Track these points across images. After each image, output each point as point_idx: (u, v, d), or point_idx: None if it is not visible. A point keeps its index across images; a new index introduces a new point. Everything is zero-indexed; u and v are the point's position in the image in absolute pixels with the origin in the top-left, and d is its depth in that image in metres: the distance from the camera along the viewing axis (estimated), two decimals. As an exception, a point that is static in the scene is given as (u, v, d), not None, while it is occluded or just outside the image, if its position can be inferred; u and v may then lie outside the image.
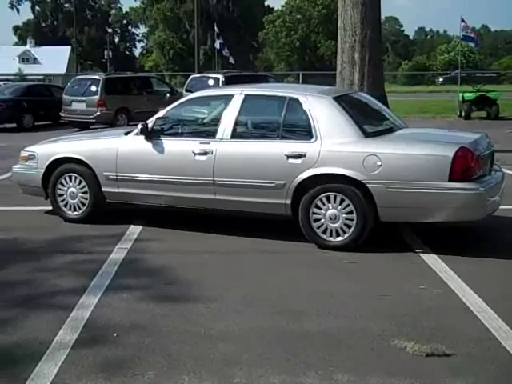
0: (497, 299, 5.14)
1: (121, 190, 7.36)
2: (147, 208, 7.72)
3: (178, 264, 6.14)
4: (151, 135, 7.18)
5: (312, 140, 6.55)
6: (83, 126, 20.71)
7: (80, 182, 7.58)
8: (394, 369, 3.99)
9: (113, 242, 6.85)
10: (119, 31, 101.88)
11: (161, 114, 7.36)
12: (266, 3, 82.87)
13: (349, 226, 6.47)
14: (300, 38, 70.69)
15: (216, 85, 20.36)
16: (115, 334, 4.50)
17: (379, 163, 6.26)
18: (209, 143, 6.91)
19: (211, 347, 4.30)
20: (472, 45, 24.81)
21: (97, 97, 20.14)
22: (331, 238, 6.56)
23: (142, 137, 7.20)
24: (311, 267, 6.12)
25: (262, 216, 6.99)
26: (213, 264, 6.23)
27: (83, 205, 7.62)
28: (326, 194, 6.50)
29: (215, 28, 29.04)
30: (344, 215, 6.46)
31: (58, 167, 7.68)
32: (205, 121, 7.55)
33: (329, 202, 6.50)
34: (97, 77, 21.13)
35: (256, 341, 4.41)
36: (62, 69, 64.35)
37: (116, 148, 7.35)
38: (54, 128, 21.07)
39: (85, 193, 7.58)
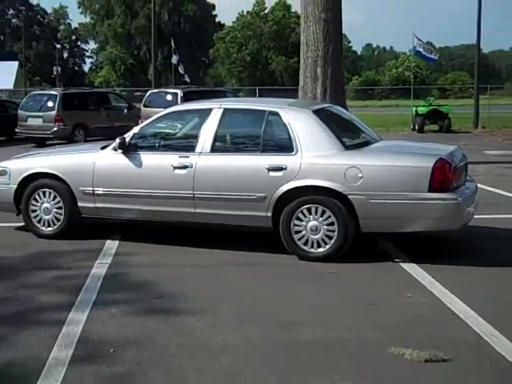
0: (482, 305, 5.26)
1: (97, 204, 7.28)
2: (122, 222, 7.67)
3: (161, 278, 6.09)
4: (129, 149, 7.13)
5: (293, 153, 6.60)
6: (40, 141, 20.44)
7: (54, 197, 7.45)
8: (397, 376, 4.05)
9: (92, 257, 6.75)
10: (68, 47, 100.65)
11: (138, 128, 7.34)
12: (217, 19, 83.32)
13: (330, 238, 6.53)
14: (251, 53, 71.21)
15: (174, 100, 20.31)
16: (111, 350, 4.43)
17: (360, 175, 6.36)
18: (188, 157, 6.91)
19: (211, 360, 4.29)
20: (431, 57, 25.40)
21: (54, 112, 19.94)
22: (312, 250, 6.61)
23: (120, 151, 7.15)
24: (296, 279, 6.15)
25: (242, 229, 7.00)
26: (197, 277, 6.21)
27: (58, 220, 7.50)
28: (307, 205, 6.56)
29: (172, 43, 29.04)
30: (325, 226, 6.52)
31: (31, 183, 7.55)
32: (183, 135, 7.55)
33: (310, 213, 6.56)
34: (54, 92, 20.96)
35: (255, 352, 4.41)
36: (9, 84, 63.09)
37: (92, 163, 7.27)
38: (9, 144, 20.72)
39: (59, 208, 7.46)
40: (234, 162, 6.83)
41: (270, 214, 6.67)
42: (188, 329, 4.84)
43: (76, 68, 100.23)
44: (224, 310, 5.24)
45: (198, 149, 6.92)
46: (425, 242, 7.27)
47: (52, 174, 7.42)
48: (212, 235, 7.42)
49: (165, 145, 7.40)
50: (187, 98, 20.37)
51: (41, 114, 20.10)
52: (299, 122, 6.74)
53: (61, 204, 7.44)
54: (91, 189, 7.24)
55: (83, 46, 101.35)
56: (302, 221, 6.59)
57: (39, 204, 7.53)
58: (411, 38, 24.88)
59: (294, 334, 4.72)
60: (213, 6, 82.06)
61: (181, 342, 4.57)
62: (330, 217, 6.50)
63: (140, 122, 20.59)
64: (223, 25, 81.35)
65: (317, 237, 6.56)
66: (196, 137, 7.04)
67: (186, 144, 7.22)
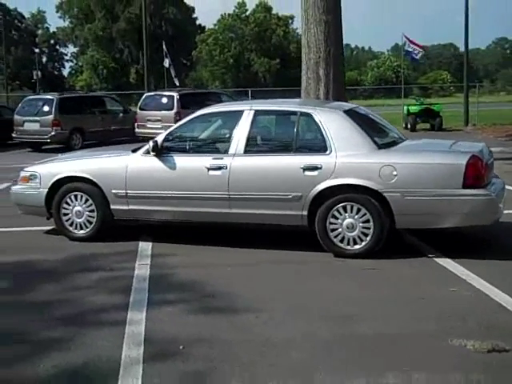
0: (526, 296, 5.44)
1: (131, 207, 7.36)
2: (151, 224, 7.75)
3: (206, 277, 6.19)
4: (161, 152, 7.22)
5: (327, 152, 6.74)
6: (35, 146, 20.43)
7: (86, 200, 7.53)
8: (465, 365, 4.19)
9: (130, 259, 6.85)
10: (47, 51, 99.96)
11: (169, 131, 7.44)
12: (198, 22, 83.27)
13: (366, 235, 6.68)
14: (233, 55, 71.35)
15: (170, 103, 20.39)
16: (181, 347, 4.53)
17: (395, 173, 6.51)
18: (222, 158, 7.02)
19: (280, 355, 4.39)
20: (418, 57, 25.83)
21: (51, 116, 19.90)
22: (349, 247, 6.75)
23: (152, 154, 7.23)
24: (336, 275, 6.29)
25: (276, 228, 7.12)
26: (240, 276, 6.31)
27: (90, 223, 7.57)
28: (343, 204, 6.70)
29: (164, 47, 29.09)
30: (361, 224, 6.67)
31: (62, 186, 7.61)
32: (216, 136, 7.67)
33: (345, 211, 6.70)
34: (50, 97, 20.90)
35: (320, 346, 4.53)
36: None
37: (125, 166, 7.36)
38: (5, 149, 20.70)
39: (91, 211, 7.53)
40: (269, 162, 6.95)
41: (305, 213, 6.81)
42: (248, 326, 4.94)
43: (55, 72, 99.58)
44: (277, 306, 5.35)
45: (231, 150, 7.03)
46: (450, 237, 7.42)
47: (84, 178, 7.50)
48: (238, 235, 7.53)
49: (197, 147, 7.51)
50: (183, 100, 20.53)
51: (38, 118, 20.10)
52: (332, 122, 6.88)
53: (93, 207, 7.51)
54: (124, 191, 7.32)
55: (62, 50, 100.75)
56: (337, 219, 6.73)
57: (71, 207, 7.60)
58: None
59: (352, 329, 4.85)
60: (192, 9, 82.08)
61: (245, 339, 4.67)
62: (365, 214, 6.64)
63: (136, 125, 20.84)
64: (204, 27, 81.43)
65: (353, 234, 6.70)
66: (229, 138, 7.16)
67: (219, 146, 7.34)
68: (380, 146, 6.83)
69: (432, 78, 77.70)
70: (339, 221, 6.73)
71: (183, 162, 7.19)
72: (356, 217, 6.68)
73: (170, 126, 20.26)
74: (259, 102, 8.08)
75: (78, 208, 7.57)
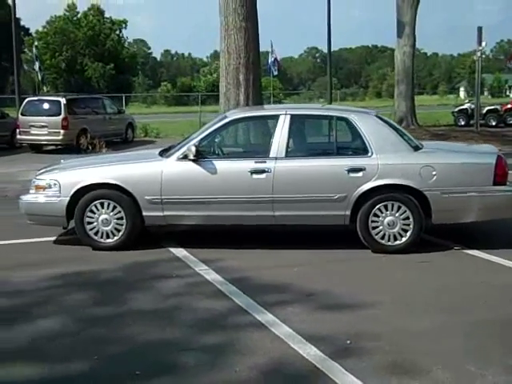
0: None
1: (166, 213, 7.25)
2: (169, 230, 7.71)
3: (283, 278, 6.29)
4: (199, 157, 7.19)
5: (368, 154, 7.15)
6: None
7: (114, 207, 7.29)
8: None
9: (181, 266, 6.81)
10: None
11: (203, 135, 7.42)
12: (22, 23, 79.20)
13: (406, 231, 7.17)
14: (66, 59, 68.81)
15: (56, 108, 19.59)
16: (348, 342, 4.71)
17: (434, 172, 7.07)
18: (265, 162, 7.15)
19: (431, 343, 4.68)
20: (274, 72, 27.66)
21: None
22: (389, 243, 7.20)
23: (188, 159, 7.19)
24: (404, 269, 6.67)
25: (318, 228, 7.41)
26: (315, 275, 6.47)
27: (118, 231, 7.34)
28: (384, 203, 7.14)
29: (34, 50, 27.48)
30: (401, 221, 7.15)
31: (86, 194, 7.30)
32: (253, 141, 7.76)
33: (386, 210, 7.14)
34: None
35: (453, 334, 4.85)
36: None
37: (160, 171, 7.22)
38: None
39: (120, 219, 7.30)
40: (313, 165, 7.20)
41: (348, 213, 7.16)
42: (378, 318, 5.21)
43: None
44: (385, 300, 5.64)
45: (272, 154, 7.19)
46: (459, 230, 8.11)
47: (112, 184, 7.25)
48: (255, 236, 7.73)
49: (235, 151, 7.59)
50: (71, 105, 19.91)
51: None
52: (369, 125, 7.29)
53: (121, 214, 7.29)
54: (159, 197, 7.20)
55: None
56: (378, 217, 7.15)
57: (96, 215, 7.31)
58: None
59: (470, 317, 5.24)
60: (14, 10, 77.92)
61: (388, 330, 4.92)
62: (405, 212, 7.13)
63: (18, 131, 19.75)
64: (28, 29, 77.72)
65: (394, 231, 7.16)
66: (268, 143, 7.30)
67: (259, 150, 7.46)
68: (414, 148, 7.36)
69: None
70: (380, 218, 7.15)
71: (224, 166, 7.22)
72: (397, 214, 7.14)
73: (57, 132, 19.83)
74: (293, 107, 8.31)
75: (104, 216, 7.30)
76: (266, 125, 7.49)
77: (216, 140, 7.53)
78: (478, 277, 6.39)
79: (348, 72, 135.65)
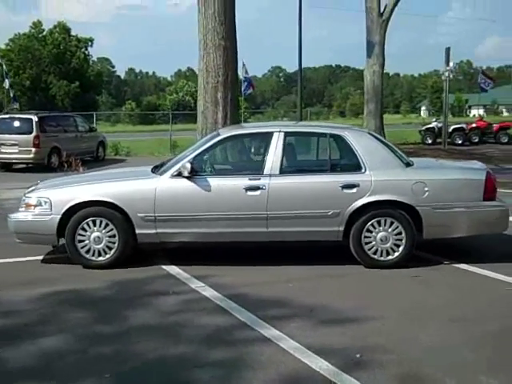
0: None
1: (159, 230, 7.21)
2: (157, 248, 7.69)
3: (279, 294, 6.31)
4: (193, 174, 7.18)
5: (362, 171, 7.23)
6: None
7: (106, 225, 7.22)
8: None
9: (176, 283, 6.76)
10: None
11: (197, 153, 7.41)
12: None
13: (398, 246, 7.25)
14: (30, 77, 68.11)
15: (28, 126, 19.37)
16: (358, 355, 4.74)
17: (426, 188, 7.18)
18: (259, 179, 7.17)
19: (450, 356, 4.75)
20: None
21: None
22: (382, 258, 7.27)
23: (183, 176, 7.17)
24: (401, 283, 6.74)
25: (309, 244, 7.45)
26: (312, 291, 6.48)
27: (110, 249, 7.27)
28: (377, 218, 7.22)
29: (3, 67, 27.07)
30: (394, 236, 7.23)
31: (78, 212, 7.23)
32: (247, 158, 7.78)
33: (379, 225, 7.22)
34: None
35: (463, 346, 4.92)
36: None
37: (153, 188, 7.19)
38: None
39: (112, 236, 7.24)
40: (308, 181, 7.25)
41: (342, 228, 7.22)
42: (384, 331, 5.26)
43: None
44: (387, 314, 5.69)
45: (266, 171, 7.22)
46: (447, 245, 8.23)
47: (105, 202, 7.19)
48: (240, 253, 7.74)
49: (229, 168, 7.59)
50: (42, 123, 19.72)
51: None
52: (362, 142, 7.38)
53: (114, 232, 7.23)
54: (153, 215, 7.16)
55: None
56: (371, 232, 7.23)
57: (88, 233, 7.23)
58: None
59: (473, 328, 5.33)
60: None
61: (396, 343, 4.98)
62: (397, 227, 7.22)
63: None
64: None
65: (386, 246, 7.24)
66: (262, 160, 7.34)
67: (253, 167, 7.49)
68: (406, 165, 7.47)
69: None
70: (373, 234, 7.23)
71: (218, 183, 7.22)
72: (389, 230, 7.22)
73: (28, 151, 19.61)
74: (286, 125, 8.36)
75: (96, 234, 7.23)
76: (261, 142, 7.53)
77: (210, 157, 7.54)
78: (474, 290, 6.49)
79: (311, 91, 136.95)
